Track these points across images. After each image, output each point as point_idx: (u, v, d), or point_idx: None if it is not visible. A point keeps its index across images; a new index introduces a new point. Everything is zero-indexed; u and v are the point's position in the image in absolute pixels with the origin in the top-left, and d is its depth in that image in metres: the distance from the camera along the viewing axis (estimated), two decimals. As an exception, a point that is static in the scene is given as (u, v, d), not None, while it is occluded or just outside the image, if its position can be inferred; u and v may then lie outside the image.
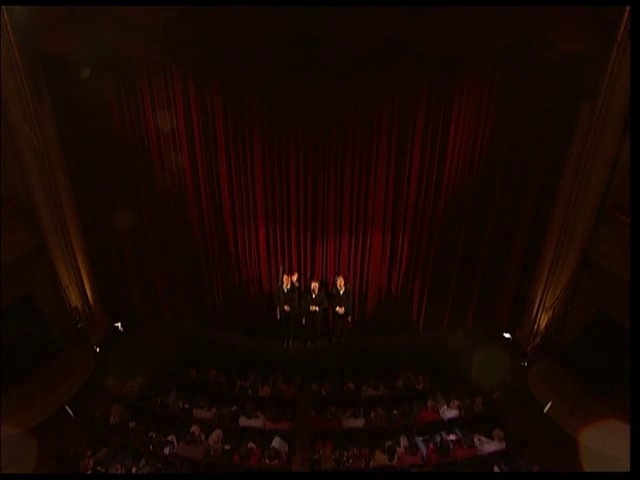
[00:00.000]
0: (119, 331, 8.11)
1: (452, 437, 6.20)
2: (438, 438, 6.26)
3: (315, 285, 7.63)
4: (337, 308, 7.77)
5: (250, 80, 6.36)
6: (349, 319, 8.01)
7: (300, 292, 7.81)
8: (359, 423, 6.29)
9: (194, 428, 6.21)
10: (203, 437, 6.13)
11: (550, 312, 7.18)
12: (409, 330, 8.45)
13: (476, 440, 5.98)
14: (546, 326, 7.25)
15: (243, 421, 6.28)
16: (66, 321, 7.20)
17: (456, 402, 6.52)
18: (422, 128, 6.66)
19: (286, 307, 7.75)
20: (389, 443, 6.12)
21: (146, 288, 8.17)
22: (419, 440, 6.23)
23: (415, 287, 8.12)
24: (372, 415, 6.45)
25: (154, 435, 5.98)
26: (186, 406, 6.64)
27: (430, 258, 7.77)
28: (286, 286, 7.65)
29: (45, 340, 6.71)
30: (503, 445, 5.94)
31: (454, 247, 7.62)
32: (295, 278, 7.70)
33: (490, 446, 5.92)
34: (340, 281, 7.63)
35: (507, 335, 8.00)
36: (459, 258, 7.73)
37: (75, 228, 7.15)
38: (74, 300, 7.35)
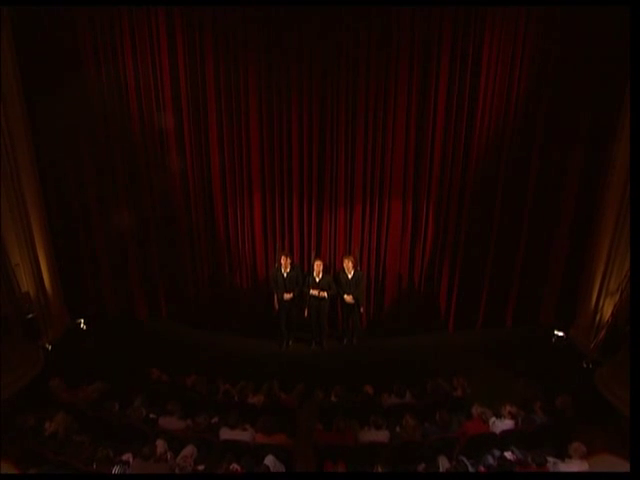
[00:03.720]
0: (81, 329, 6.64)
1: (510, 456, 4.54)
2: (490, 458, 4.61)
3: (319, 265, 6.20)
4: (345, 296, 6.31)
5: (246, 15, 5.41)
6: (361, 310, 6.51)
7: (302, 276, 6.40)
8: (382, 437, 4.66)
9: (159, 443, 4.60)
10: (170, 455, 4.52)
11: (617, 296, 5.70)
12: (437, 330, 6.93)
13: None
14: (613, 314, 5.74)
15: (225, 433, 4.67)
16: (12, 309, 5.77)
17: (509, 408, 4.90)
18: (447, 70, 5.60)
19: (286, 295, 6.30)
20: (424, 465, 4.48)
21: (118, 276, 6.82)
22: (465, 461, 4.57)
23: (443, 274, 6.70)
24: (398, 428, 4.85)
25: (103, 451, 4.36)
26: (152, 416, 5.06)
27: (460, 236, 6.42)
28: (285, 269, 6.26)
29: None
30: (586, 466, 4.28)
31: (489, 221, 6.32)
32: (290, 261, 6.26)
33: (568, 467, 4.26)
34: (347, 263, 6.23)
35: (559, 333, 6.47)
36: (495, 235, 6.39)
37: (33, 192, 5.94)
38: (25, 284, 5.97)
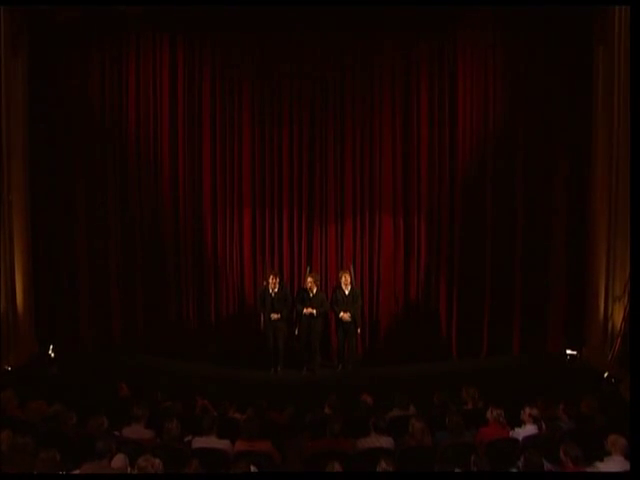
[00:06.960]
0: (49, 357, 6.01)
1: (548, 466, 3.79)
2: (514, 470, 3.85)
3: (311, 281, 5.92)
4: (341, 314, 5.91)
5: (243, 41, 6.14)
6: (358, 331, 6.01)
7: (291, 296, 6.09)
8: (385, 442, 3.94)
9: (119, 457, 3.83)
10: (130, 471, 3.73)
11: (625, 299, 5.42)
12: (439, 357, 6.35)
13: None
14: (624, 319, 5.39)
15: (198, 441, 3.94)
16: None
17: (530, 411, 4.24)
18: (427, 87, 6.18)
19: (274, 315, 5.87)
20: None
21: (97, 302, 6.41)
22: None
23: (440, 295, 6.43)
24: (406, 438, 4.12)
25: (47, 453, 3.59)
26: (116, 433, 4.31)
27: (455, 249, 6.34)
28: (273, 288, 5.94)
29: None
30: (628, 466, 3.56)
31: (482, 228, 6.31)
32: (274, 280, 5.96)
33: (608, 466, 3.55)
34: (345, 278, 5.97)
35: (572, 352, 5.98)
36: (490, 255, 6.31)
37: (21, 207, 5.94)
38: (-5, 298, 5.59)
